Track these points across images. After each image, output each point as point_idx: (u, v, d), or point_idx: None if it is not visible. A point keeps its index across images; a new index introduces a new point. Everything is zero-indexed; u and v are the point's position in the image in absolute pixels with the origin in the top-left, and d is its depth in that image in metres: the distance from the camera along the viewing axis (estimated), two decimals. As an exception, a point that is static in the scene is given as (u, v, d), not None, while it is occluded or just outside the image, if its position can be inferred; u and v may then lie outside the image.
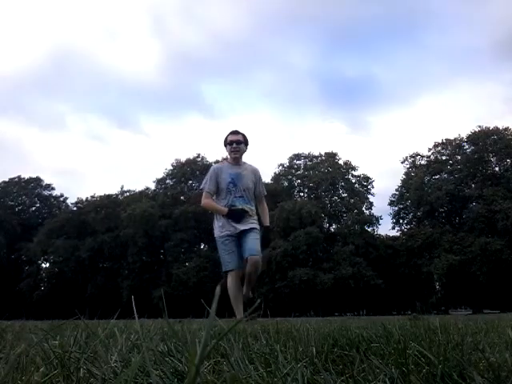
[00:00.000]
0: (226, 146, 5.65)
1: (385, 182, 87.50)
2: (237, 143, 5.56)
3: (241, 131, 5.71)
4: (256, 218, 5.61)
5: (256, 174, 5.73)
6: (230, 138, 5.60)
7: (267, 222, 5.88)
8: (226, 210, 5.37)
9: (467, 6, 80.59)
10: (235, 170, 5.54)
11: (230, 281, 5.24)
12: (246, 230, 5.35)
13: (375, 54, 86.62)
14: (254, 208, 5.61)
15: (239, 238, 5.38)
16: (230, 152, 5.57)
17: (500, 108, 78.06)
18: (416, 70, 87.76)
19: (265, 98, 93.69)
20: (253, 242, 5.31)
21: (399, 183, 49.84)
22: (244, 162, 5.70)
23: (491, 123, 51.00)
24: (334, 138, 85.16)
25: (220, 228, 5.45)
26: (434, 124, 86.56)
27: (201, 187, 5.66)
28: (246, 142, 5.71)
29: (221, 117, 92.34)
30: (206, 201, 5.54)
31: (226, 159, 5.84)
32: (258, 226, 5.54)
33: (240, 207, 5.42)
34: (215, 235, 5.51)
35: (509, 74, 79.61)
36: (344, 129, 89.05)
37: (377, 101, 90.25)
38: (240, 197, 5.47)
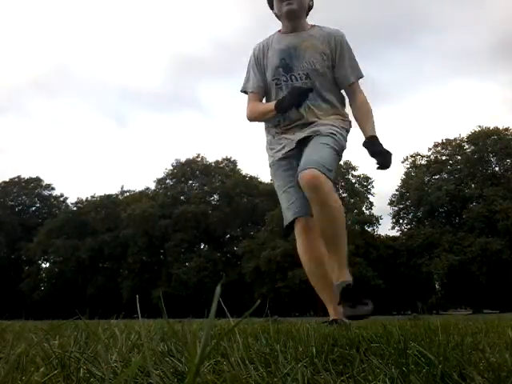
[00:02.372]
0: (271, 5, 3.16)
1: (385, 181, 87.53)
2: None
3: None
4: (337, 121, 3.04)
5: (335, 40, 3.05)
6: None
7: (371, 130, 3.03)
8: (271, 106, 2.96)
9: (466, 8, 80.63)
10: (289, 41, 3.04)
11: (298, 239, 3.04)
12: (311, 135, 2.92)
13: (373, 55, 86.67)
14: (332, 107, 3.05)
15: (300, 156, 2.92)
16: (281, 3, 3.02)
17: (499, 109, 78.20)
18: (414, 70, 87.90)
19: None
20: (316, 149, 2.82)
21: (399, 183, 49.87)
22: (312, 25, 3.14)
23: (490, 124, 51.09)
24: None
25: (268, 151, 3.18)
26: (434, 124, 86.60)
27: (241, 89, 3.26)
28: None
29: (220, 117, 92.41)
30: (249, 108, 3.15)
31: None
32: (339, 127, 3.01)
33: (308, 88, 2.91)
34: (268, 162, 3.21)
35: (507, 74, 79.66)
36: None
37: (376, 101, 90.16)
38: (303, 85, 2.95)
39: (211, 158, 54.72)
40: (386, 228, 78.78)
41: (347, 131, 3.12)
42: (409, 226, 49.32)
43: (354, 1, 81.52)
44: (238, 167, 55.25)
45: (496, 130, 46.34)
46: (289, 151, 3.01)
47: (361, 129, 3.10)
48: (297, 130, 3.01)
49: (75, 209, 56.16)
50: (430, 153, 49.59)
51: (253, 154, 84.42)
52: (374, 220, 49.83)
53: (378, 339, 1.39)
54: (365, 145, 2.99)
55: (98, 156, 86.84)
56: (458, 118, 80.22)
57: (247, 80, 3.23)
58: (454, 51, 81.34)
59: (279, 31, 3.19)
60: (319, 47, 3.01)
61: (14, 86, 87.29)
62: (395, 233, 50.11)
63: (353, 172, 50.78)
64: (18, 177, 58.96)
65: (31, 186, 58.85)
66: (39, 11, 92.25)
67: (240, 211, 50.53)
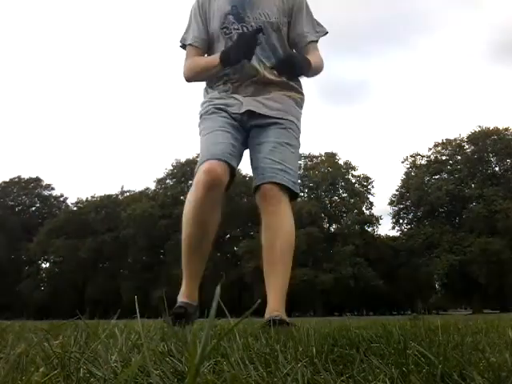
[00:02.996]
0: None
1: (385, 182, 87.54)
2: None
3: None
4: (294, 93, 2.62)
5: None
6: None
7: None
8: (216, 58, 2.47)
9: (465, 8, 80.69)
10: None
11: (194, 189, 2.37)
12: (259, 121, 2.50)
13: (373, 55, 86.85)
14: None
15: (246, 131, 2.55)
16: None
17: (497, 109, 78.34)
18: (414, 70, 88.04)
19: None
20: (267, 152, 2.45)
21: (399, 183, 49.88)
22: None
23: (490, 124, 51.09)
24: (331, 139, 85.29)
25: (206, 103, 2.63)
26: (434, 124, 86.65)
27: (180, 41, 2.72)
28: None
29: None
30: (188, 63, 2.62)
31: None
32: (292, 113, 2.58)
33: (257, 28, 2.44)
34: (199, 114, 2.66)
35: (503, 75, 79.79)
36: (342, 129, 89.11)
37: (374, 102, 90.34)
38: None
39: (211, 158, 54.59)
40: (386, 228, 78.93)
41: (302, 108, 2.67)
42: (409, 226, 49.33)
43: (354, 1, 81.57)
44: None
45: (496, 130, 46.33)
46: (236, 113, 2.49)
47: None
48: (251, 88, 2.51)
49: (75, 209, 56.16)
50: (430, 153, 49.65)
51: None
52: (373, 220, 49.84)
53: (378, 339, 1.39)
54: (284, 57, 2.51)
55: (98, 156, 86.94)
56: (457, 118, 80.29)
57: (186, 31, 2.70)
58: (453, 52, 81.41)
59: None
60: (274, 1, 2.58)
61: (14, 85, 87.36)
62: (395, 233, 50.19)
63: (353, 172, 50.84)
64: (18, 177, 58.99)
65: (31, 186, 58.84)
66: (41, 9, 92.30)
67: (240, 211, 50.53)
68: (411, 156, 50.19)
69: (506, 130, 46.14)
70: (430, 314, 35.99)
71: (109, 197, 55.21)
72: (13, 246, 54.00)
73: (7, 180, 58.60)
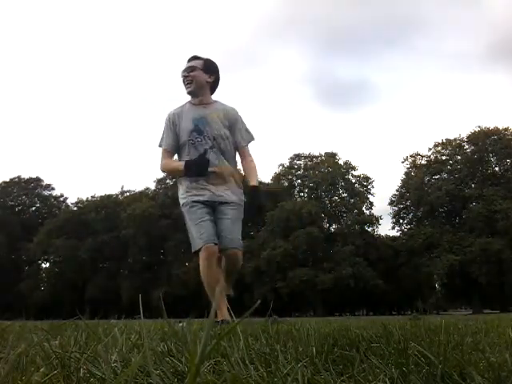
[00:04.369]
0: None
1: (385, 182, 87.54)
2: (189, 70, 3.90)
3: (202, 56, 4.05)
4: (240, 183, 4.02)
5: (231, 114, 3.99)
6: (185, 66, 3.98)
7: (255, 181, 4.01)
8: (181, 163, 3.80)
9: (464, 9, 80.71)
10: (199, 112, 3.90)
11: (202, 262, 3.67)
12: (222, 202, 3.82)
13: (373, 56, 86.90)
14: (233, 164, 4.03)
15: (214, 209, 3.82)
16: (184, 86, 3.95)
17: (495, 110, 78.40)
18: (409, 73, 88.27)
19: (261, 100, 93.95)
20: (230, 228, 3.81)
21: (399, 183, 49.85)
22: (215, 101, 4.05)
23: (490, 124, 51.07)
24: (331, 140, 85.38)
25: (183, 192, 3.88)
26: (434, 124, 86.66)
27: (158, 144, 4.00)
28: (206, 69, 3.97)
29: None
30: (163, 162, 3.92)
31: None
32: (240, 198, 3.96)
33: (203, 153, 3.80)
34: (181, 203, 3.90)
35: (503, 75, 79.77)
36: (342, 129, 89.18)
37: (373, 103, 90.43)
38: (211, 148, 3.83)
39: (211, 158, 54.63)
40: (386, 228, 78.84)
41: (242, 193, 4.06)
42: (409, 226, 49.29)
43: (356, 3, 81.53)
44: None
45: (496, 130, 46.31)
46: (208, 200, 3.82)
47: (248, 178, 4.10)
48: (214, 180, 3.86)
49: (75, 209, 56.13)
50: (430, 153, 49.60)
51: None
52: (374, 220, 49.80)
53: (378, 339, 1.39)
54: (249, 190, 4.04)
55: (98, 156, 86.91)
56: (457, 118, 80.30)
57: (162, 139, 3.98)
58: (453, 52, 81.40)
59: (190, 102, 4.03)
60: (222, 119, 3.93)
61: (14, 85, 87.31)
62: (395, 233, 50.15)
63: (353, 172, 50.79)
64: (18, 177, 58.95)
65: (31, 186, 58.81)
66: (40, 10, 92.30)
67: (240, 211, 50.50)
68: (411, 156, 50.18)
69: (506, 129, 46.12)
70: (430, 314, 35.99)
71: (109, 197, 55.17)
72: (13, 246, 53.97)
73: (7, 180, 58.65)
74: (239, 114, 4.09)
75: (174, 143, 3.92)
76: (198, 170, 3.74)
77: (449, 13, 76.97)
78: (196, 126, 3.86)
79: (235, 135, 3.99)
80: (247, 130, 4.09)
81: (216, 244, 3.73)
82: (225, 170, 3.91)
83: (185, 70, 3.95)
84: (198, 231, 3.72)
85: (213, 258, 3.70)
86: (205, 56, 4.04)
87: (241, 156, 4.11)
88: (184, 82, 3.94)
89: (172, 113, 4.00)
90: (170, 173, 4.42)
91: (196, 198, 3.79)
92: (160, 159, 3.97)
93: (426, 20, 78.41)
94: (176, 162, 3.94)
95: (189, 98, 4.07)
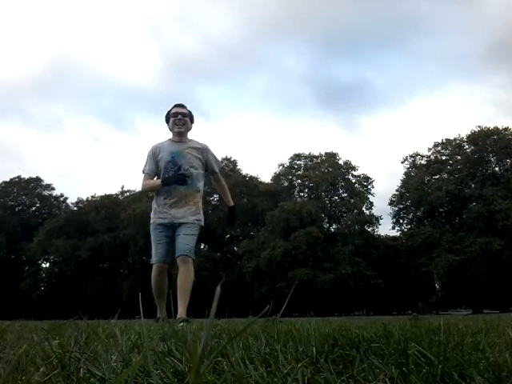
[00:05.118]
0: (168, 120, 5.09)
1: (385, 181, 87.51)
2: (182, 115, 5.01)
3: (186, 106, 5.16)
4: (199, 207, 4.95)
5: (203, 149, 5.05)
6: (174, 110, 5.04)
7: (231, 202, 5.27)
8: (158, 181, 4.88)
9: (463, 11, 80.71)
10: (176, 148, 4.92)
11: (153, 275, 4.79)
12: (181, 223, 4.79)
13: (368, 58, 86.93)
14: (199, 193, 4.97)
15: (175, 229, 4.83)
16: (174, 125, 4.98)
17: (493, 110, 78.43)
18: (408, 74, 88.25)
19: (260, 101, 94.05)
20: (186, 239, 4.75)
21: (399, 183, 49.85)
22: (190, 139, 5.07)
23: (489, 124, 51.09)
24: (330, 140, 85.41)
25: (153, 214, 4.93)
26: (433, 124, 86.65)
27: (142, 170, 5.07)
28: (191, 119, 5.15)
29: (218, 119, 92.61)
30: (144, 183, 4.99)
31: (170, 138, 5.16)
32: (199, 219, 4.93)
33: (176, 171, 4.89)
34: (151, 222, 4.95)
35: (499, 77, 79.76)
36: (341, 130, 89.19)
37: (372, 103, 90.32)
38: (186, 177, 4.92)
39: (210, 158, 54.69)
40: (386, 228, 78.84)
41: (202, 215, 5.04)
42: (409, 226, 49.30)
43: (354, 4, 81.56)
44: (237, 167, 55.25)
45: (496, 130, 46.31)
46: (168, 223, 4.84)
47: (224, 199, 5.44)
48: (177, 207, 4.83)
49: (75, 209, 56.14)
50: (430, 153, 49.61)
51: (253, 154, 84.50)
52: (373, 220, 49.80)
53: (378, 339, 1.39)
54: (226, 210, 5.52)
55: (98, 156, 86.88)
56: (457, 118, 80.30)
57: (145, 165, 5.03)
58: (453, 53, 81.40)
59: (170, 139, 5.07)
60: (195, 153, 4.98)
61: (15, 86, 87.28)
62: (395, 233, 50.14)
63: (353, 172, 50.79)
64: (18, 177, 58.96)
65: (31, 186, 58.82)
66: (38, 12, 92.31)
67: (240, 211, 50.51)
68: (411, 156, 50.19)
69: (506, 129, 46.13)
70: (430, 313, 35.99)
71: (109, 197, 55.17)
72: (13, 246, 53.98)
73: (7, 180, 58.64)
74: (209, 148, 5.20)
75: (154, 169, 4.98)
76: (174, 179, 4.78)
77: (448, 13, 76.95)
78: (173, 158, 4.91)
79: (209, 165, 5.09)
80: (217, 160, 5.28)
81: (166, 263, 4.88)
82: (189, 194, 4.90)
83: (179, 114, 5.02)
84: (156, 250, 4.84)
85: (162, 272, 4.85)
86: (188, 107, 5.20)
87: (215, 180, 5.30)
88: (176, 122, 4.99)
89: (155, 146, 5.07)
90: (150, 189, 5.06)
91: (159, 221, 4.87)
92: (142, 180, 5.03)
93: (425, 20, 78.38)
94: (154, 180, 5.00)
95: (170, 134, 5.15)
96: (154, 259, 4.84)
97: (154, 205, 4.98)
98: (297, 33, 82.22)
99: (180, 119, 4.99)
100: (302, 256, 44.90)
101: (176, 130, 4.98)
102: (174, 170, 4.86)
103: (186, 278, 4.72)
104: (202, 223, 4.99)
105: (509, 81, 77.90)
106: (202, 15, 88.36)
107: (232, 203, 5.31)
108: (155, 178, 5.01)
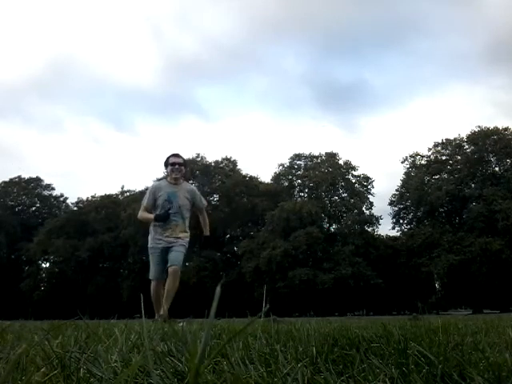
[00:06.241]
0: (166, 166, 6.30)
1: (385, 181, 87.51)
2: (179, 165, 6.25)
3: (181, 155, 6.40)
4: (187, 233, 6.20)
5: (192, 191, 6.40)
6: (171, 160, 6.24)
7: (207, 232, 6.68)
8: (152, 216, 6.07)
9: (463, 9, 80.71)
10: (172, 189, 6.16)
11: (152, 288, 6.03)
12: (174, 244, 6.02)
13: (368, 58, 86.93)
14: (186, 223, 6.23)
15: (167, 251, 6.03)
16: (171, 172, 6.20)
17: (492, 110, 78.46)
18: (408, 74, 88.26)
19: (260, 101, 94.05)
20: (175, 255, 5.98)
21: (399, 183, 49.84)
22: (182, 182, 6.35)
23: (489, 124, 51.07)
24: (330, 140, 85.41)
25: (151, 239, 6.16)
26: (433, 124, 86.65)
27: (142, 202, 6.37)
28: (185, 165, 6.54)
29: (217, 119, 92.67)
30: (140, 213, 6.30)
31: (166, 178, 6.48)
32: (186, 242, 6.15)
33: (167, 210, 6.11)
34: (149, 245, 6.17)
35: (499, 77, 79.80)
36: (341, 130, 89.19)
37: (372, 104, 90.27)
38: (176, 213, 6.09)
39: (211, 158, 54.79)
40: (386, 228, 78.76)
41: (188, 238, 6.23)
42: (409, 226, 49.29)
43: (354, 5, 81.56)
44: (237, 167, 55.22)
45: (496, 130, 46.30)
46: (163, 247, 6.03)
47: (203, 229, 6.65)
48: (169, 233, 6.04)
49: (75, 209, 56.13)
50: (430, 153, 49.60)
51: (253, 154, 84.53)
52: (373, 220, 49.80)
53: (378, 339, 1.39)
54: (202, 239, 6.80)
55: (98, 156, 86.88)
56: (457, 118, 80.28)
57: (145, 199, 6.26)
58: (452, 53, 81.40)
59: (167, 180, 6.33)
60: (186, 194, 6.23)
61: (14, 86, 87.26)
62: (395, 233, 50.13)
63: (353, 172, 50.77)
64: (18, 177, 58.95)
65: (31, 186, 58.81)
66: (39, 12, 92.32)
67: (240, 211, 50.52)
68: (411, 156, 50.18)
69: (506, 129, 46.13)
70: (430, 314, 35.98)
71: (109, 197, 55.15)
72: (13, 246, 53.98)
73: (7, 180, 58.63)
74: (196, 190, 6.61)
75: (151, 204, 6.18)
76: (162, 218, 6.00)
77: (448, 13, 76.95)
78: (169, 197, 6.12)
79: (196, 203, 6.38)
80: (201, 199, 6.55)
81: (162, 279, 5.98)
82: (179, 225, 6.14)
83: (177, 164, 6.22)
84: (154, 269, 6.06)
85: (159, 285, 6.00)
86: (182, 155, 6.42)
87: (200, 214, 6.60)
88: (174, 169, 6.18)
89: (155, 185, 6.42)
90: (145, 221, 6.25)
91: (156, 246, 6.06)
92: (140, 211, 6.32)
93: (424, 21, 78.36)
94: (149, 214, 6.16)
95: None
96: (152, 276, 6.03)
97: (152, 232, 6.16)
98: (296, 33, 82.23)
99: (177, 168, 6.21)
100: (302, 256, 44.89)
101: (173, 176, 6.19)
102: (168, 208, 6.07)
103: (173, 284, 5.80)
104: (187, 242, 6.25)
105: (508, 81, 77.94)
106: (201, 15, 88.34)
107: (208, 233, 6.70)
108: (153, 211, 6.32)
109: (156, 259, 6.01)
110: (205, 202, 6.57)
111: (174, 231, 6.06)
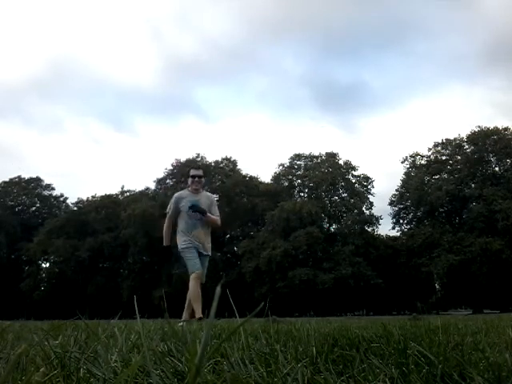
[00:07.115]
0: (188, 177, 7.02)
1: (385, 181, 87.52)
2: (199, 177, 6.93)
3: (201, 167, 7.44)
4: (210, 240, 6.91)
5: (210, 199, 7.09)
6: (192, 173, 6.95)
7: (209, 216, 7.19)
8: (166, 244, 6.88)
9: (463, 8, 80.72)
10: (194, 198, 6.80)
11: (193, 282, 6.39)
12: (203, 254, 6.69)
13: (367, 59, 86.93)
14: (209, 229, 6.90)
15: (199, 254, 6.65)
16: (192, 183, 6.86)
17: (491, 111, 78.50)
18: (407, 74, 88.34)
19: (260, 101, 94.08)
20: (205, 265, 6.75)
21: (399, 183, 49.84)
22: (202, 191, 7.02)
23: (489, 124, 51.06)
24: (330, 141, 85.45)
25: (184, 242, 6.66)
26: (433, 124, 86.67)
27: (166, 211, 6.99)
28: (204, 175, 7.23)
29: (217, 119, 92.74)
30: (166, 224, 6.93)
31: (188, 188, 7.03)
32: (209, 253, 6.86)
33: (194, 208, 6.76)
34: (180, 247, 6.64)
35: (497, 78, 79.80)
36: (340, 131, 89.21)
37: (372, 104, 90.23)
38: (198, 219, 6.70)
39: (211, 158, 54.79)
40: (386, 228, 78.83)
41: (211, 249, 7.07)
42: (409, 226, 49.28)
43: (353, 5, 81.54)
44: (237, 167, 55.23)
45: (496, 130, 46.30)
46: (195, 247, 6.61)
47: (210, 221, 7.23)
48: (201, 238, 6.71)
49: (75, 209, 56.11)
50: (430, 153, 49.60)
51: (253, 154, 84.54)
52: (374, 220, 49.80)
53: (378, 339, 1.39)
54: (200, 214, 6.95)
55: (98, 156, 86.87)
56: (457, 118, 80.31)
57: (169, 209, 6.87)
58: (451, 54, 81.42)
59: (189, 190, 6.92)
60: (206, 202, 6.87)
61: (14, 86, 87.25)
62: (395, 233, 50.12)
63: (353, 172, 50.77)
64: (18, 177, 58.94)
65: (31, 186, 58.80)
66: (39, 13, 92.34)
67: (240, 211, 50.50)
68: (411, 156, 50.17)
69: (506, 129, 46.12)
70: (429, 314, 35.96)
71: (109, 197, 55.15)
72: (13, 246, 53.98)
73: (7, 180, 58.62)
74: (214, 199, 7.37)
75: (175, 214, 6.80)
76: (197, 207, 6.70)
77: (447, 14, 76.97)
78: (191, 205, 6.69)
79: (213, 210, 6.88)
80: (216, 209, 7.03)
81: (201, 270, 6.57)
82: (204, 230, 6.77)
83: (197, 176, 6.89)
84: (193, 262, 6.51)
85: (200, 278, 6.45)
86: (202, 166, 7.48)
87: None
88: (194, 182, 6.84)
89: (178, 196, 6.94)
90: (165, 234, 6.93)
91: (191, 245, 6.60)
92: (166, 219, 6.90)
93: (423, 21, 78.37)
94: (166, 235, 6.92)
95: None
96: (195, 268, 6.47)
97: (181, 237, 6.72)
98: (296, 33, 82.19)
99: (197, 181, 6.89)
100: (302, 256, 44.89)
101: (194, 187, 6.85)
102: (192, 215, 6.72)
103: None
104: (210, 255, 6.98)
105: (507, 82, 77.94)
106: (201, 16, 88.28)
107: (209, 217, 7.00)
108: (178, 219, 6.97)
109: (193, 254, 6.52)
110: (218, 214, 6.99)
111: (199, 234, 6.70)
